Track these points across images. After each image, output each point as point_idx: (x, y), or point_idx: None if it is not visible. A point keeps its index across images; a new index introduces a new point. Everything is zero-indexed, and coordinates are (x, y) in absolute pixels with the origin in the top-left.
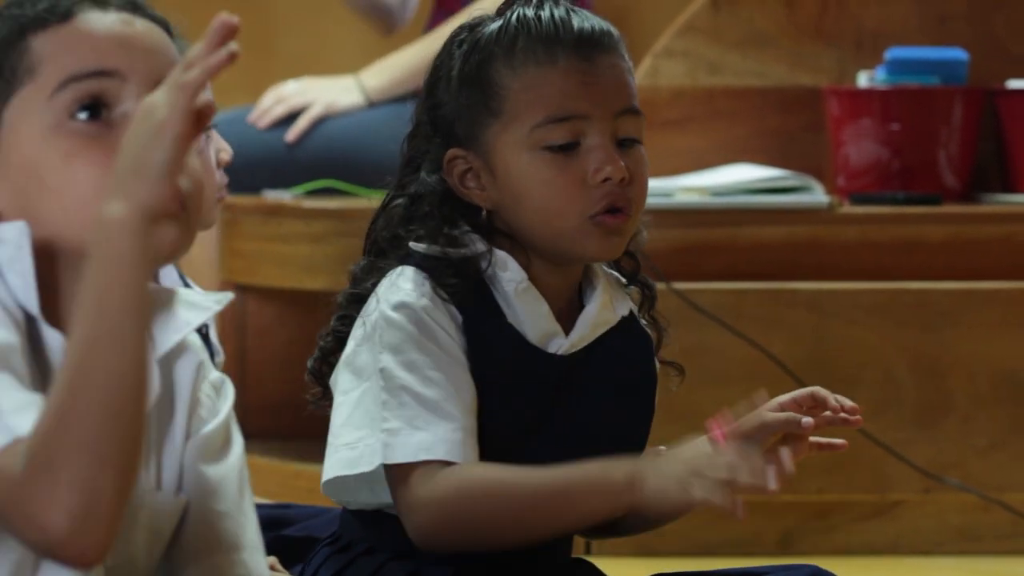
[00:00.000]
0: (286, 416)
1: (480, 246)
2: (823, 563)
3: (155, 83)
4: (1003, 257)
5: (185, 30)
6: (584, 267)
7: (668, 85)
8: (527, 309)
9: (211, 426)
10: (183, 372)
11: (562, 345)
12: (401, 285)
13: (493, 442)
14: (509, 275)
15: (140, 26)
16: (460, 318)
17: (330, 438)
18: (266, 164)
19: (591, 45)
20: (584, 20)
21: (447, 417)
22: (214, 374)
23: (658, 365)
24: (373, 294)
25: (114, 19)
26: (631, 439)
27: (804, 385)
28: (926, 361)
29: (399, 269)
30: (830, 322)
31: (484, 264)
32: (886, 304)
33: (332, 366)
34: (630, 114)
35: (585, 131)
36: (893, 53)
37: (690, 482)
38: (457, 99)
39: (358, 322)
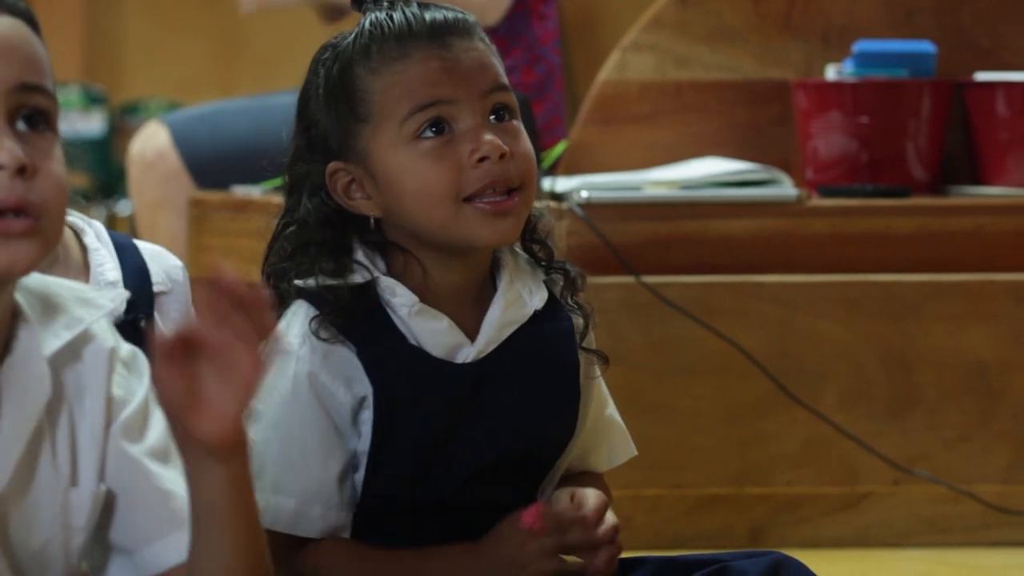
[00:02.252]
0: None
1: (359, 277)
2: (793, 555)
3: (10, 88)
4: (971, 249)
5: (158, 34)
6: (493, 259)
7: (636, 79)
8: (425, 329)
9: (130, 408)
10: (92, 363)
11: (469, 354)
12: (291, 327)
13: (415, 459)
14: (399, 300)
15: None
16: (352, 353)
17: None
18: (236, 160)
19: (444, 32)
20: (436, 12)
21: (284, 491)
22: (124, 349)
23: (582, 356)
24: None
25: None
26: (556, 429)
27: (773, 378)
28: (895, 353)
29: (294, 307)
30: (799, 315)
31: (377, 290)
32: (855, 297)
33: None
34: (499, 91)
35: (455, 115)
36: (861, 46)
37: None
38: (327, 114)
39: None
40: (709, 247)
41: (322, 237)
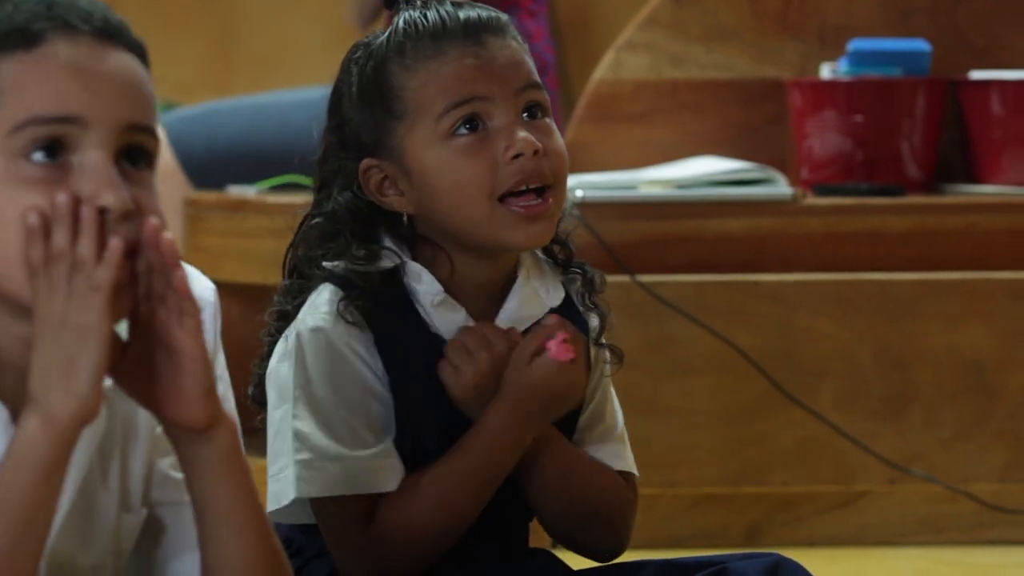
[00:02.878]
0: (252, 412)
1: (387, 262)
2: (789, 555)
3: (121, 128)
4: (966, 248)
5: (151, 30)
6: (515, 258)
7: (631, 78)
8: (445, 319)
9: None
10: None
11: None
12: (319, 307)
13: (421, 449)
14: (424, 288)
15: (112, 62)
16: (372, 337)
17: (268, 464)
18: (231, 160)
19: (478, 30)
20: (470, 10)
21: (358, 446)
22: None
23: (594, 351)
24: (304, 305)
25: (84, 53)
26: (560, 428)
27: (769, 377)
28: (890, 352)
29: (320, 288)
30: (794, 314)
31: (403, 275)
32: (850, 295)
33: None
34: (532, 89)
35: (489, 112)
36: (856, 45)
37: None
38: (360, 111)
39: (283, 336)
40: (704, 246)
41: (351, 228)
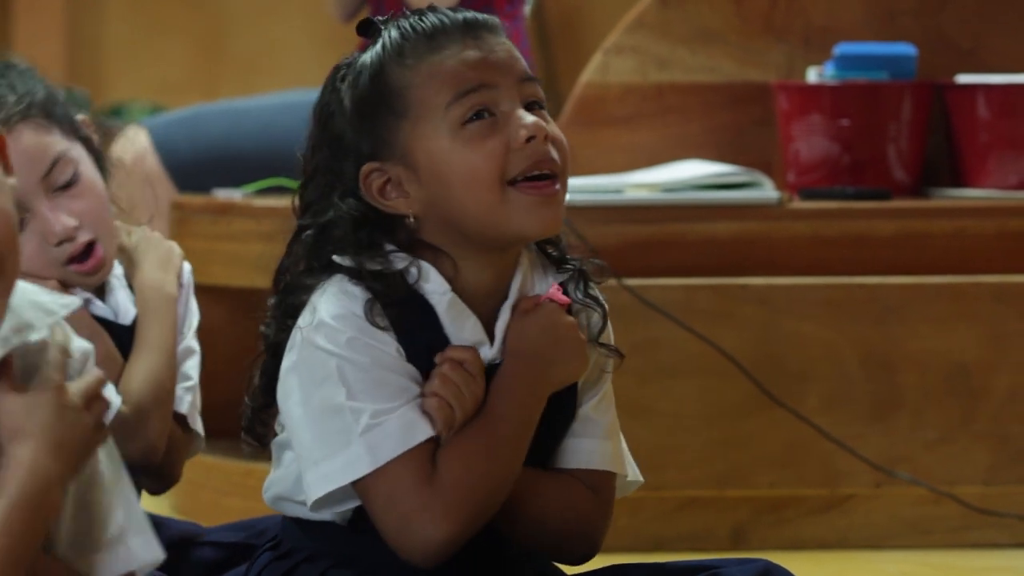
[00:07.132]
0: (236, 415)
1: (400, 263)
2: (775, 557)
3: None
4: (952, 251)
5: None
6: (515, 260)
7: (618, 81)
8: (455, 322)
9: None
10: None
11: (488, 354)
12: (338, 296)
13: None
14: (431, 287)
15: None
16: (392, 331)
17: (303, 452)
18: (216, 163)
19: (476, 27)
20: (465, 12)
21: (405, 396)
22: (76, 345)
23: (593, 353)
24: (309, 304)
25: None
26: (552, 430)
27: (755, 380)
28: (876, 356)
29: (334, 279)
30: (780, 317)
31: (411, 276)
32: (836, 299)
33: (265, 423)
34: (530, 82)
35: (496, 100)
36: (842, 48)
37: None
38: (357, 122)
39: (294, 333)
40: (691, 250)
41: (357, 237)
